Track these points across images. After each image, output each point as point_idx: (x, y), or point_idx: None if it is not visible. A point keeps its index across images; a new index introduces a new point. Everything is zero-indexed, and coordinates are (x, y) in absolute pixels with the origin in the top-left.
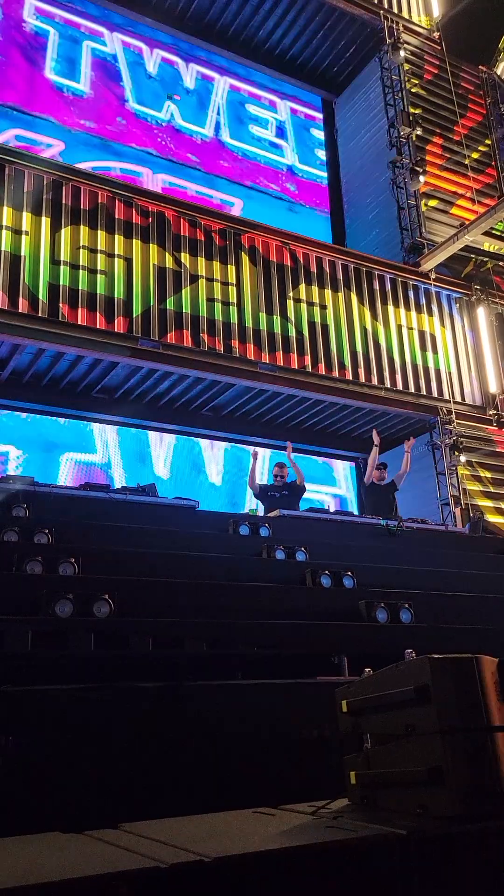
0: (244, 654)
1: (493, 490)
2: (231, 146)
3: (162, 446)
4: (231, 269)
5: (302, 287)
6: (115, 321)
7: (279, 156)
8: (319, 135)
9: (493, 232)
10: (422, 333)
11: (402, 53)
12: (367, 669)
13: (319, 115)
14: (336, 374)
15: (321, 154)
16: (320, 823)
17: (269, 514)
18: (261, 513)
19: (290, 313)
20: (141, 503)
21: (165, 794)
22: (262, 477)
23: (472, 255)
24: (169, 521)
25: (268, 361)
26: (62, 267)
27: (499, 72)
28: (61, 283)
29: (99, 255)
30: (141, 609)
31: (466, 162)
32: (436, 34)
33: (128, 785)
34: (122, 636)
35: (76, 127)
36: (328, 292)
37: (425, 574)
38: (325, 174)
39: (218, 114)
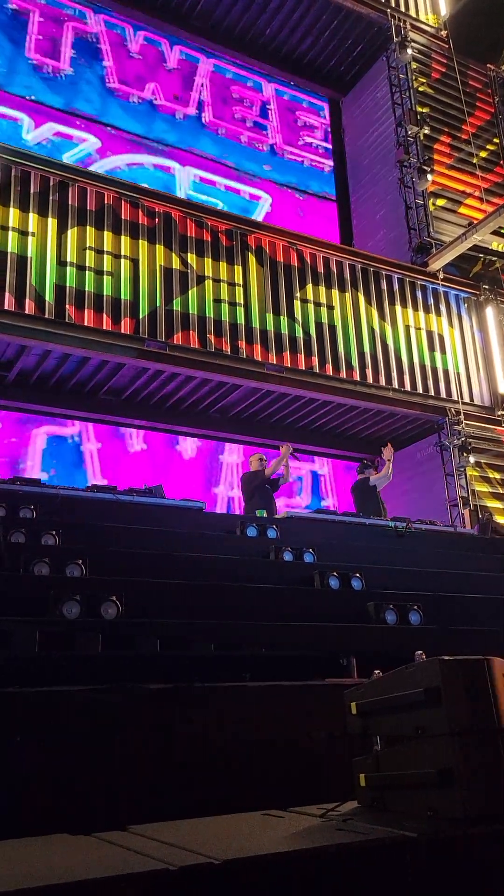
0: (252, 655)
1: (501, 491)
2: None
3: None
4: (238, 269)
5: (309, 287)
6: (122, 322)
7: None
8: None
9: (502, 231)
10: (430, 334)
11: (409, 52)
12: (376, 671)
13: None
14: (343, 374)
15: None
16: (330, 826)
17: (276, 516)
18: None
19: (297, 314)
20: (148, 504)
21: (174, 796)
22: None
23: (481, 255)
24: (176, 522)
25: (275, 362)
26: (68, 268)
27: None
28: (68, 284)
29: (105, 256)
30: (148, 610)
31: (474, 161)
32: (443, 32)
33: (136, 786)
34: (129, 637)
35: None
36: (335, 293)
37: (434, 576)
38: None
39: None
